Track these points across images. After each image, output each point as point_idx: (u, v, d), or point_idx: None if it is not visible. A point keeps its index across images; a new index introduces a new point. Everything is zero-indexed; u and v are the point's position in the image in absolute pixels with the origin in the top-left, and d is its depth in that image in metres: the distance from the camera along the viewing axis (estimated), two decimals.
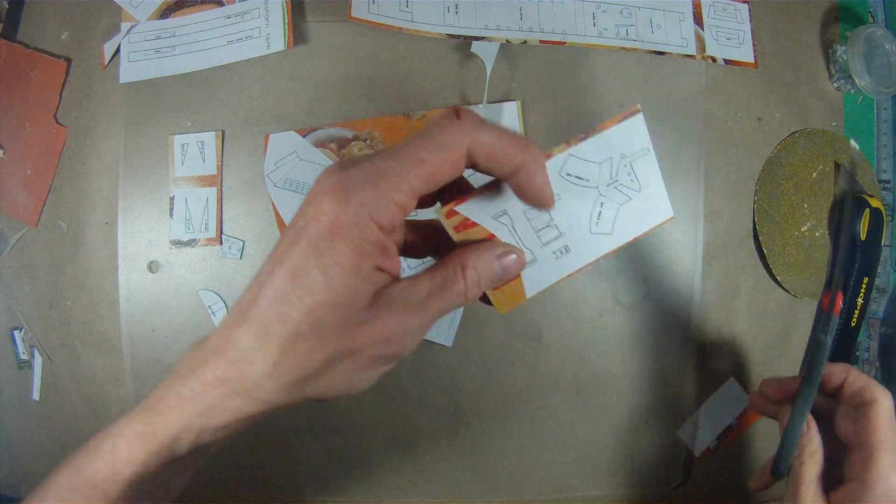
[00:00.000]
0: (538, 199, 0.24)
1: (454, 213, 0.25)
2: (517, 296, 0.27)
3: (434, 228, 0.26)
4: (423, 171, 0.21)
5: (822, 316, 0.28)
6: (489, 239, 0.26)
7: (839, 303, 0.27)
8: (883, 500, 0.28)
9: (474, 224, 0.25)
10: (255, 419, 0.24)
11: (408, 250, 0.27)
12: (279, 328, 0.21)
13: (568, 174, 0.26)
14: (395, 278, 0.23)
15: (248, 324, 0.22)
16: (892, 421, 0.29)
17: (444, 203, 0.25)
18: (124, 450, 0.24)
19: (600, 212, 0.27)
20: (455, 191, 0.25)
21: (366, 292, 0.21)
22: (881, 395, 0.30)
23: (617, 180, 0.27)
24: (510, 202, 0.26)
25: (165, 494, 0.26)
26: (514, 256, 0.25)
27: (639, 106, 0.26)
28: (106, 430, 0.24)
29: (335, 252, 0.20)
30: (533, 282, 0.27)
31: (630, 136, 0.27)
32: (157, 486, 0.25)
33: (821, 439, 0.31)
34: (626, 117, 0.26)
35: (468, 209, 0.25)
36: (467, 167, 0.22)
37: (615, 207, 0.27)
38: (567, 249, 0.27)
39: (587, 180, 0.26)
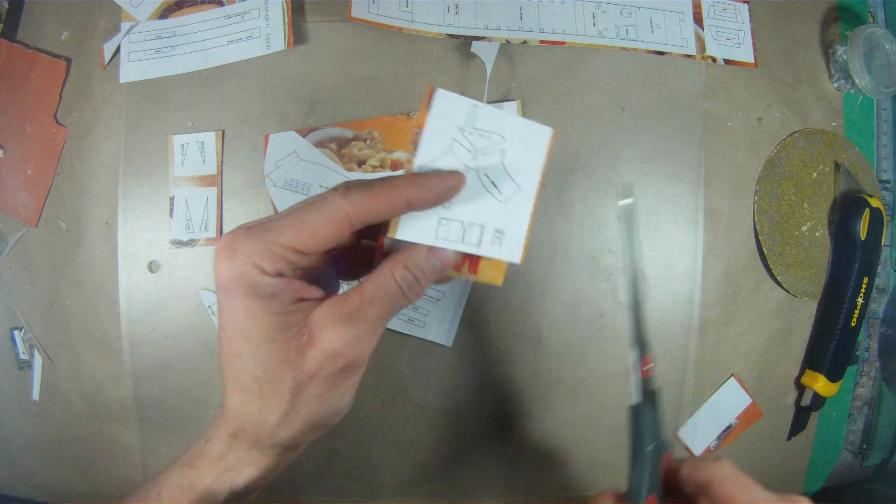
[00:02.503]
0: (444, 195, 0.25)
1: (382, 242, 0.26)
2: (497, 266, 0.27)
3: (361, 250, 0.28)
4: (301, 229, 0.24)
5: (640, 381, 0.26)
6: None
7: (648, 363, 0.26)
8: None
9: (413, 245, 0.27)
10: (277, 466, 0.27)
11: (345, 273, 0.29)
12: (246, 382, 0.25)
13: None
14: (325, 299, 0.25)
15: (227, 385, 0.25)
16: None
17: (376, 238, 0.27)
18: (167, 499, 0.27)
19: (492, 182, 0.27)
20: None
21: (290, 321, 0.24)
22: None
23: (476, 149, 0.26)
24: (429, 218, 0.26)
25: None
26: (450, 252, 0.26)
27: (431, 84, 0.26)
28: (152, 481, 0.28)
29: (234, 300, 0.24)
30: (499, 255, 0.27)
31: (451, 111, 0.26)
32: None
33: None
34: (430, 102, 0.26)
35: (399, 235, 0.26)
36: (360, 228, 0.25)
37: (499, 168, 0.27)
38: (501, 232, 0.27)
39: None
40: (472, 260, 0.27)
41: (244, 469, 0.26)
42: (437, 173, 0.26)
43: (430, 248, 0.26)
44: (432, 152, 0.26)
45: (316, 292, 0.25)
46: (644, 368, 0.26)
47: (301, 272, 0.25)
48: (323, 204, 0.24)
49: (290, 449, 0.26)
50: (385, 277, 0.25)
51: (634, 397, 0.26)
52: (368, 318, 0.24)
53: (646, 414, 0.25)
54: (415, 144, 0.26)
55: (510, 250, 0.27)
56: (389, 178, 0.25)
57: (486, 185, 0.27)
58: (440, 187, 0.25)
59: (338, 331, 0.24)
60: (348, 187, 0.24)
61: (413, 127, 0.41)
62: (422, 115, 0.26)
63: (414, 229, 0.26)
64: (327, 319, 0.24)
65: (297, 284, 0.25)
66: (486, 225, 0.27)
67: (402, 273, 0.25)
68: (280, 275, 0.24)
